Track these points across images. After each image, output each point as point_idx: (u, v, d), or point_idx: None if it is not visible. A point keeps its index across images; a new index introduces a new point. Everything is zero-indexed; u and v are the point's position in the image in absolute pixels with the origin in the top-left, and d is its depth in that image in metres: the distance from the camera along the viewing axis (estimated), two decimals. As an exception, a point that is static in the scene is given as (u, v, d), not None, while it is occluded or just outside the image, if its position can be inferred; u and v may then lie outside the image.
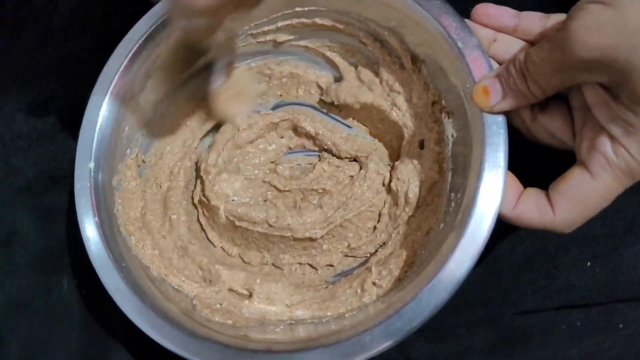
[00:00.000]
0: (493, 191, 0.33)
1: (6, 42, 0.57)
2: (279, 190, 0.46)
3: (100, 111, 0.40)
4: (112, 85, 0.41)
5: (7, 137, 0.54)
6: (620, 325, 0.39)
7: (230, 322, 0.38)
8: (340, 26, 0.44)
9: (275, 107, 0.50)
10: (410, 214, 0.42)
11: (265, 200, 0.46)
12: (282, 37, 0.46)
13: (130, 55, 0.41)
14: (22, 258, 0.49)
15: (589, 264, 0.40)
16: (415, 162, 0.42)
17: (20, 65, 0.56)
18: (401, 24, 0.40)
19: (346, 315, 0.39)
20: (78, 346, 0.45)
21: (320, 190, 0.45)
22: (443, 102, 0.41)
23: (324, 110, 0.50)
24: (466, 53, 0.36)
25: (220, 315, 0.39)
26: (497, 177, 0.33)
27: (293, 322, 0.40)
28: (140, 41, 0.41)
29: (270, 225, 0.44)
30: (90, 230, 0.38)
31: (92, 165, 0.39)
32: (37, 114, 0.54)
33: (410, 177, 0.42)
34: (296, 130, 0.49)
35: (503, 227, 0.40)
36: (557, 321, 0.40)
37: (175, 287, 0.41)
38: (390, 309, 0.33)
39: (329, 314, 0.40)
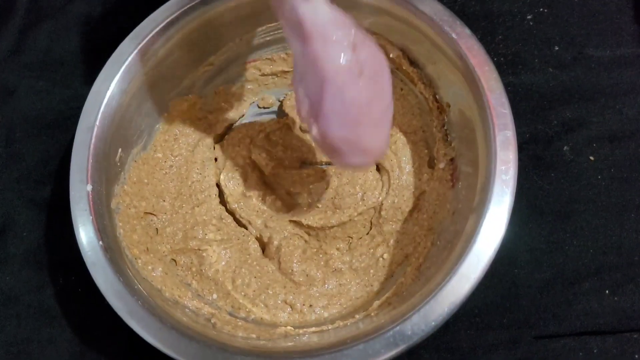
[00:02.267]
0: (493, 231, 0.33)
1: (25, 27, 0.55)
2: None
3: (93, 132, 0.38)
4: (103, 105, 0.39)
5: (15, 122, 0.51)
6: (636, 356, 0.39)
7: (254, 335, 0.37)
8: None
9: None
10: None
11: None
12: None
13: (119, 74, 0.40)
14: (16, 250, 0.46)
15: (607, 291, 0.40)
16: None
17: (36, 51, 0.54)
18: (391, 23, 0.41)
19: (329, 327, 0.38)
20: (69, 347, 0.42)
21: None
22: (437, 96, 0.42)
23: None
24: (461, 43, 0.37)
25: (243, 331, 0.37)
26: (501, 215, 0.33)
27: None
28: (129, 58, 0.40)
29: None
30: (95, 256, 0.35)
31: (89, 187, 0.37)
32: (48, 101, 0.52)
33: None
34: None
35: (520, 250, 0.41)
36: (575, 347, 0.39)
37: (192, 308, 0.39)
38: (376, 331, 0.32)
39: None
